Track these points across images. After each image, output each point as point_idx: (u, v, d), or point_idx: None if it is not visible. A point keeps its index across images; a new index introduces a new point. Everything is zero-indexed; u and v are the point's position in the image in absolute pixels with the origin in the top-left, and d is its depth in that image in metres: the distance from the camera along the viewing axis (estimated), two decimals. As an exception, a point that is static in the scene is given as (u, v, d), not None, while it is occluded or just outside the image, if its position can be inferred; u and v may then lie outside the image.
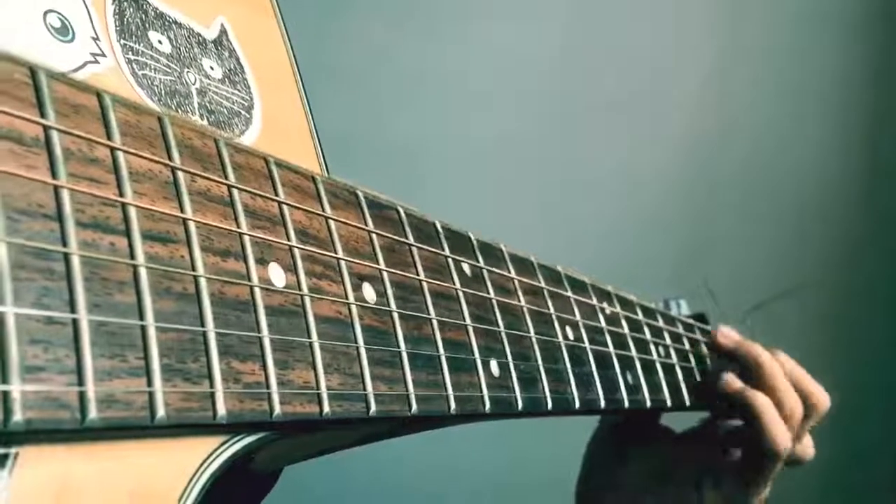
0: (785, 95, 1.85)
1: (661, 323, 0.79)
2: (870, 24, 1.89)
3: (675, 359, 0.78)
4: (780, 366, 0.81)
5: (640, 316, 0.75)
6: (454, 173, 1.55)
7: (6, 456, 0.27)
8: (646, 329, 0.75)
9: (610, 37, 1.70)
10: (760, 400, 0.77)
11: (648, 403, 0.70)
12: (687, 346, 0.83)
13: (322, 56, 1.41)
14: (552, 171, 1.65)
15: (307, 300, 0.38)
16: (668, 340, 0.79)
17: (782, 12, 1.84)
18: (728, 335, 0.85)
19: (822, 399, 0.81)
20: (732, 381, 0.80)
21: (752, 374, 0.81)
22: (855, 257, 1.90)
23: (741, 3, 1.83)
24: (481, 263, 0.54)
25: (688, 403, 0.78)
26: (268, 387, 0.35)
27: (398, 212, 0.48)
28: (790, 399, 0.79)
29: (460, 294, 0.50)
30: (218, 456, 0.34)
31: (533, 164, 1.63)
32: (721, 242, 1.82)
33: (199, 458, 0.33)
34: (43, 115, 0.30)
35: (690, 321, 0.87)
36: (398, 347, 0.43)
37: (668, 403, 0.74)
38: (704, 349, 0.86)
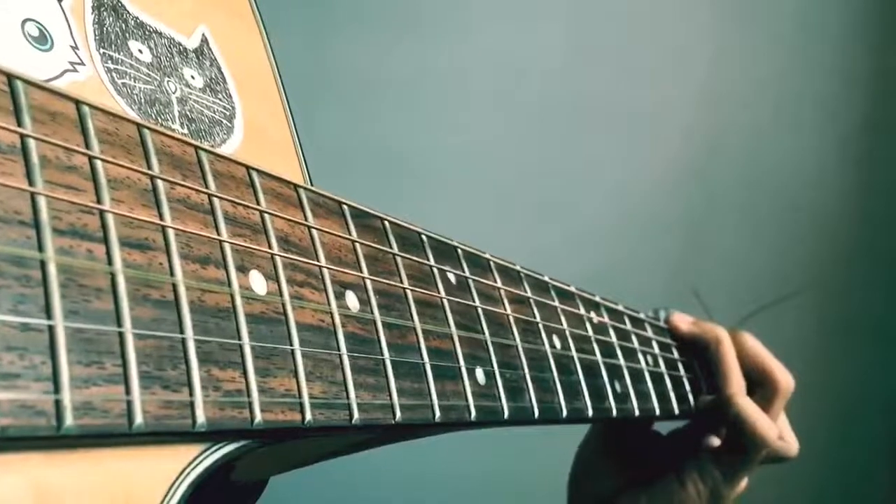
0: (782, 101, 1.86)
1: (649, 332, 0.79)
2: (868, 29, 1.90)
3: (663, 368, 0.78)
4: (739, 346, 0.83)
5: (628, 325, 0.75)
6: (449, 176, 1.55)
7: (-19, 463, 0.27)
8: (634, 338, 0.75)
9: (607, 41, 1.70)
10: (738, 400, 0.78)
11: (637, 412, 0.69)
12: (676, 356, 0.83)
13: (318, 61, 1.41)
14: (547, 175, 1.65)
15: (289, 308, 0.38)
16: (656, 349, 0.79)
17: (779, 19, 1.85)
18: (683, 318, 0.86)
19: (784, 379, 0.82)
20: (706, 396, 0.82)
21: (711, 354, 0.82)
22: (851, 261, 1.90)
23: (739, 10, 1.83)
24: (466, 272, 0.54)
25: (676, 412, 0.78)
26: (248, 395, 0.35)
27: (382, 221, 0.48)
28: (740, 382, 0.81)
29: (445, 302, 0.50)
30: (199, 464, 0.33)
31: (527, 168, 1.63)
32: (716, 247, 1.82)
33: (179, 465, 0.33)
34: (20, 122, 0.30)
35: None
36: (382, 355, 0.43)
37: (657, 412, 0.73)
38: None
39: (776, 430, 0.78)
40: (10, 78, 0.30)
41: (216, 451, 0.34)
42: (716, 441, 0.82)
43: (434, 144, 1.54)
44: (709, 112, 1.82)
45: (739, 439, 0.78)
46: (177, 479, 0.32)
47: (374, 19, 1.50)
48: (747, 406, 0.78)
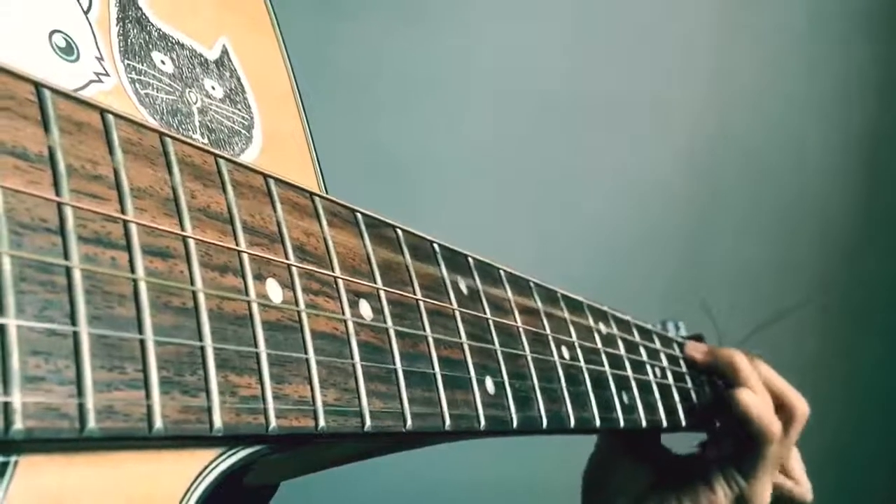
0: (787, 105, 1.86)
1: (657, 344, 0.80)
2: (876, 28, 1.90)
3: (671, 380, 0.78)
4: (756, 370, 0.83)
5: (636, 336, 0.76)
6: (451, 179, 1.56)
7: (6, 464, 0.27)
8: (642, 350, 0.75)
9: (611, 41, 1.71)
10: (741, 394, 0.80)
11: (644, 423, 0.70)
12: (683, 368, 0.83)
13: (319, 59, 1.42)
14: (551, 178, 1.65)
15: (304, 316, 0.39)
16: (664, 362, 0.79)
17: (785, 19, 1.85)
18: (698, 347, 0.86)
19: (800, 405, 0.83)
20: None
21: (730, 379, 0.83)
22: (856, 264, 1.90)
23: (743, 10, 1.83)
24: (478, 283, 0.54)
25: (684, 424, 0.78)
26: (264, 401, 0.35)
27: (395, 230, 0.48)
28: (765, 399, 0.81)
29: (456, 313, 0.50)
30: (215, 468, 0.34)
31: (530, 170, 1.63)
32: (721, 250, 1.82)
33: (195, 469, 0.33)
34: (47, 132, 0.31)
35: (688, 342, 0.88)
36: (394, 364, 0.44)
37: (664, 424, 0.74)
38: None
39: (778, 424, 0.79)
40: (38, 87, 0.31)
41: (232, 455, 0.35)
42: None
43: (434, 145, 1.54)
44: (714, 114, 1.82)
45: (747, 435, 0.79)
46: (194, 482, 0.33)
47: (374, 16, 1.50)
48: (749, 399, 0.79)
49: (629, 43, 1.72)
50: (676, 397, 0.78)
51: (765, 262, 1.83)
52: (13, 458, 0.28)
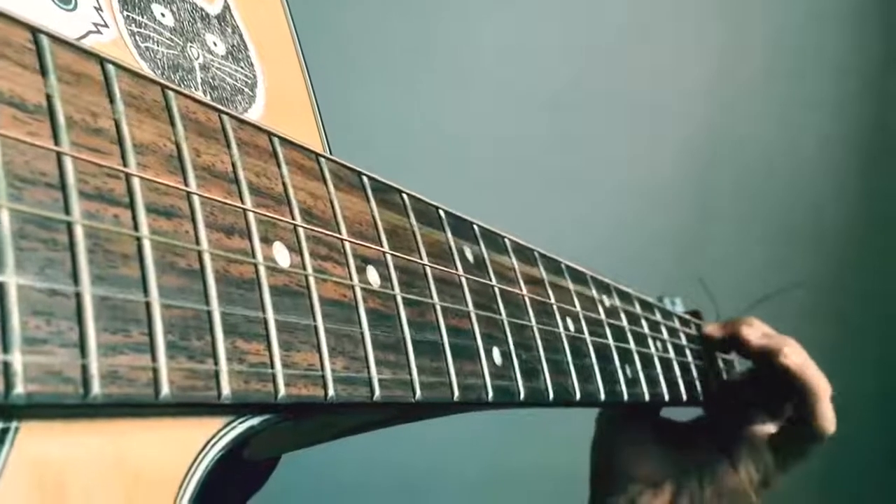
0: (785, 95, 1.85)
1: (658, 317, 0.79)
2: (874, 25, 1.90)
3: (672, 353, 0.78)
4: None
5: (638, 309, 0.75)
6: (451, 169, 1.54)
7: (6, 430, 0.26)
8: (644, 323, 0.74)
9: (611, 35, 1.70)
10: (822, 383, 0.76)
11: (647, 397, 0.69)
12: (683, 341, 0.82)
13: (320, 47, 1.40)
14: (549, 168, 1.64)
15: (312, 281, 0.37)
16: (665, 335, 0.78)
17: (784, 19, 1.84)
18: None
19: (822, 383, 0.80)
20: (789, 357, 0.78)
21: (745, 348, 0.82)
22: (851, 256, 1.90)
23: (744, 10, 1.82)
24: (483, 251, 0.53)
25: (684, 398, 0.77)
26: (272, 368, 0.34)
27: (402, 195, 0.47)
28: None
29: (463, 280, 0.49)
30: (222, 437, 0.33)
31: (529, 161, 1.62)
32: (717, 241, 1.82)
33: (203, 437, 0.32)
34: (46, 82, 0.29)
35: (686, 317, 0.87)
36: (402, 332, 0.42)
37: (666, 397, 0.73)
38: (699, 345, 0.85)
39: (825, 380, 0.76)
40: (36, 34, 0.29)
41: (239, 424, 0.34)
42: (770, 428, 0.81)
43: (433, 136, 1.53)
44: (712, 108, 1.81)
45: (803, 428, 0.77)
46: (201, 451, 0.32)
47: (373, 6, 1.49)
48: (794, 354, 0.76)
49: (638, 37, 1.71)
50: (677, 371, 0.77)
51: (763, 262, 1.82)
52: (13, 425, 0.26)
